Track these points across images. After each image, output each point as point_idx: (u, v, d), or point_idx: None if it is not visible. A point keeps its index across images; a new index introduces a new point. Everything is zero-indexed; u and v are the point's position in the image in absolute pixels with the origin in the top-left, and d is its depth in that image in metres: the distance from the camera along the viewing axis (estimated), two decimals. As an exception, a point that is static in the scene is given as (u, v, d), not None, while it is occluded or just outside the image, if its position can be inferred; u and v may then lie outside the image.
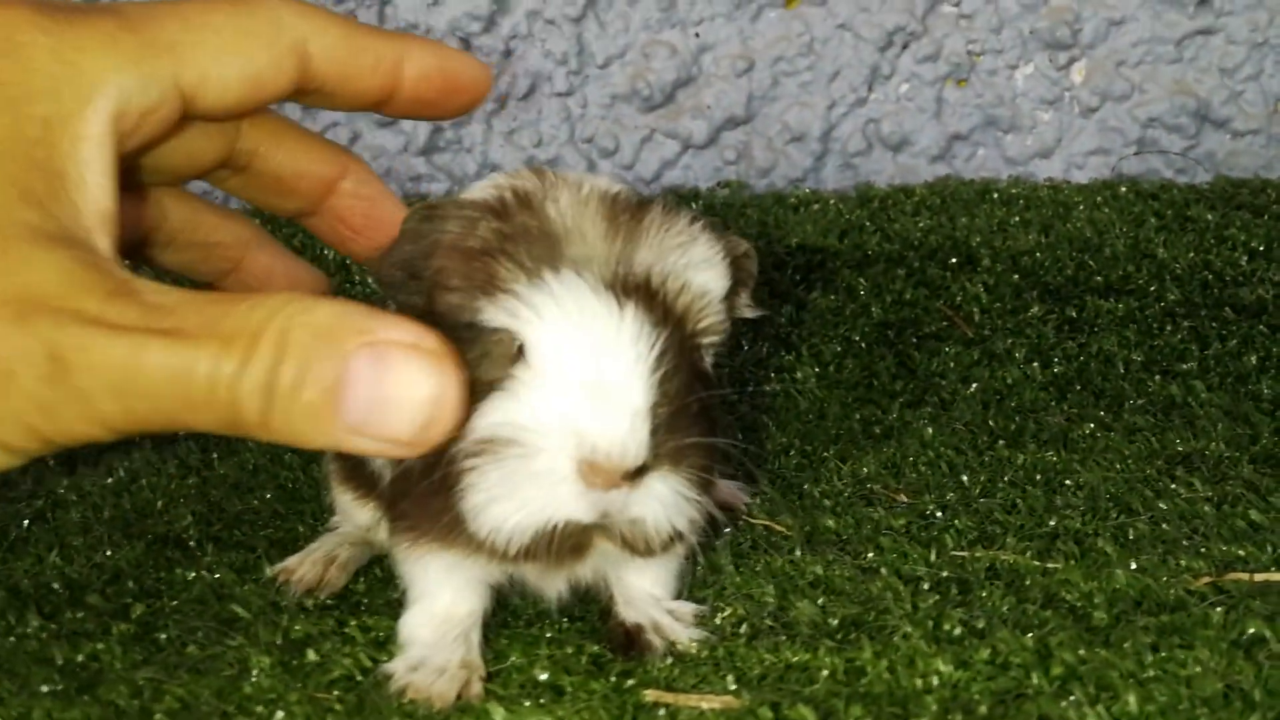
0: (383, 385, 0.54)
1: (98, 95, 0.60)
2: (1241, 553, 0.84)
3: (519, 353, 0.66)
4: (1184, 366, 1.22)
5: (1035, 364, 1.24)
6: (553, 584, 0.76)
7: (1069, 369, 1.23)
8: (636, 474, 0.65)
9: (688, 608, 0.78)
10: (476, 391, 0.67)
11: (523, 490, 0.65)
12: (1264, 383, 1.18)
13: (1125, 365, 1.23)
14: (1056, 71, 1.66)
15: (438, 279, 0.68)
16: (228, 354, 0.54)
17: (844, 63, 1.66)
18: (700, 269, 0.70)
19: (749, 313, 0.79)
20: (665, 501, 0.67)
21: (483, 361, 0.67)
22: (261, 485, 1.03)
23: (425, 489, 0.70)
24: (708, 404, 0.71)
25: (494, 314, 0.66)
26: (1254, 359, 1.22)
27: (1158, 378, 1.20)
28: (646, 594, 0.78)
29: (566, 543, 0.69)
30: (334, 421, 0.55)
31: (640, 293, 0.66)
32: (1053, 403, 1.18)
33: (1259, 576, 0.80)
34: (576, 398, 0.64)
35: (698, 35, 1.65)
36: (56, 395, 0.54)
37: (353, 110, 0.76)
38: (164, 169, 0.73)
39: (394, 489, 0.76)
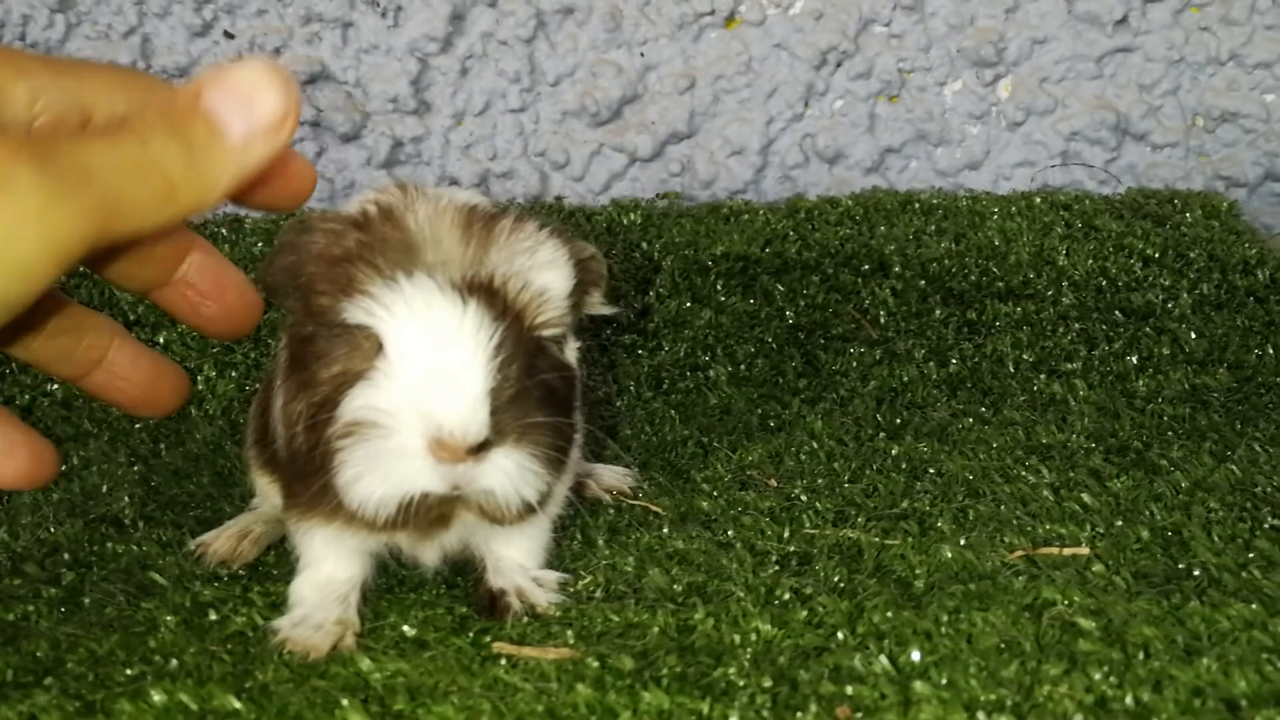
0: (233, 90, 0.65)
1: None
2: (1063, 531, 0.92)
3: (379, 346, 0.76)
4: (1070, 366, 1.31)
5: (932, 363, 1.32)
6: (426, 553, 0.86)
7: (963, 368, 1.32)
8: (480, 449, 0.74)
9: (551, 576, 0.88)
10: (346, 382, 0.77)
11: (383, 466, 0.75)
12: (1140, 380, 1.26)
13: (1015, 365, 1.32)
14: (983, 88, 1.75)
15: (310, 284, 0.77)
16: (151, 137, 0.63)
17: (781, 80, 1.75)
18: (543, 270, 0.79)
19: (603, 309, 0.88)
20: (510, 473, 0.76)
21: (351, 355, 0.77)
22: (199, 471, 1.13)
23: (307, 468, 0.79)
24: (557, 388, 0.81)
25: (355, 313, 0.75)
26: (1135, 359, 1.30)
27: (1043, 376, 1.29)
28: (515, 563, 0.87)
29: (430, 514, 0.78)
30: (226, 142, 0.65)
31: (483, 291, 0.75)
32: (943, 399, 1.27)
33: (1067, 551, 0.88)
34: (424, 383, 0.73)
35: (643, 55, 1.75)
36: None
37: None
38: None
39: (286, 471, 0.85)
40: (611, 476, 1.05)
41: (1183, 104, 1.73)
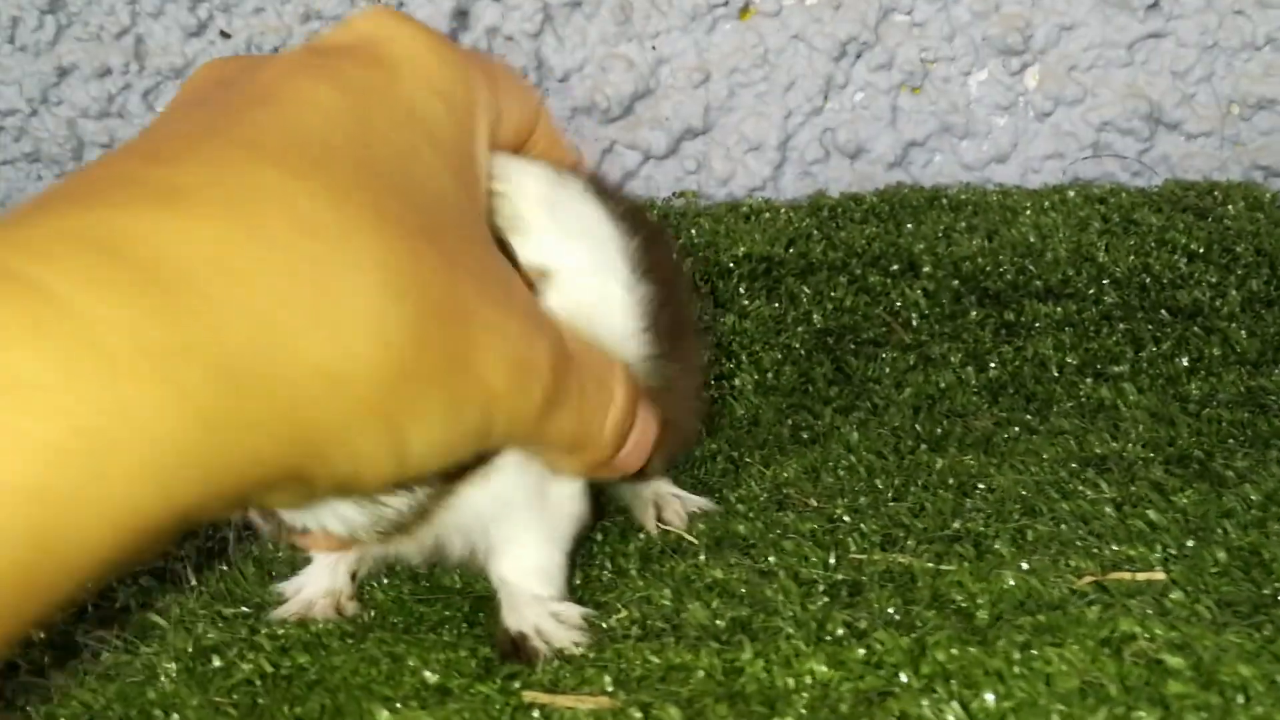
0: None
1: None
2: (1132, 553, 0.85)
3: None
4: (1117, 369, 1.24)
5: (970, 368, 1.25)
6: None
7: (1003, 373, 1.25)
8: None
9: (574, 611, 0.80)
10: None
11: None
12: (1193, 384, 1.19)
13: (1059, 368, 1.25)
14: (1010, 77, 1.68)
15: None
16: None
17: (799, 73, 1.68)
18: None
19: None
20: None
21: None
22: (200, 497, 1.06)
23: None
24: None
25: None
26: (1186, 360, 1.23)
27: (1090, 380, 1.22)
28: (530, 597, 0.80)
29: None
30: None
31: None
32: (984, 406, 1.20)
33: (1141, 575, 0.82)
34: None
35: (654, 48, 1.68)
36: None
37: None
38: None
39: None
40: (693, 503, 0.98)
41: (1217, 91, 1.66)
